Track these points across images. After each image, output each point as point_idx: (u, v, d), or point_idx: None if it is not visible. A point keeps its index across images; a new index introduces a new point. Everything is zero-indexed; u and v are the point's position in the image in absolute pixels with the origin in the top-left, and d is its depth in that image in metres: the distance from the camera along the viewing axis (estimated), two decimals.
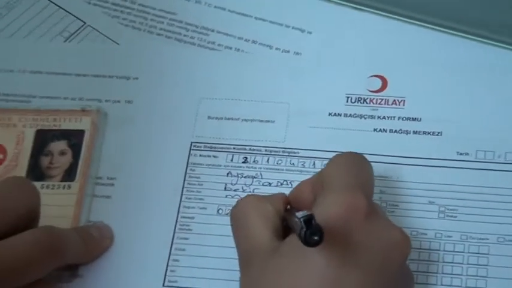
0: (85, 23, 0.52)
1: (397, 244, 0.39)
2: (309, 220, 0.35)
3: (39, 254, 0.41)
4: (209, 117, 0.48)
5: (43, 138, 0.48)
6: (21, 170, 0.47)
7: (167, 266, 0.43)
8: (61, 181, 0.46)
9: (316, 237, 0.34)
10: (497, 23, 0.51)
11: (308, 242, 0.35)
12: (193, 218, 0.44)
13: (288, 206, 0.43)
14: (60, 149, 0.48)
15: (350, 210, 0.37)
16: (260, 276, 0.39)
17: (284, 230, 0.42)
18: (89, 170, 0.46)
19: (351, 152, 0.43)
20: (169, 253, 0.43)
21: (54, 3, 0.53)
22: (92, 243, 0.45)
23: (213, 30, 0.51)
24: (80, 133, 0.48)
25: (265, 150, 0.47)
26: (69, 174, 0.46)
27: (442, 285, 0.42)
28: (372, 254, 0.38)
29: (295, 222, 0.36)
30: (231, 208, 0.44)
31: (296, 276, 0.38)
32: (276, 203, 0.42)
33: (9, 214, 0.41)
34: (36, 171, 0.47)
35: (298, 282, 0.38)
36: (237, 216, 0.43)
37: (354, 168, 0.42)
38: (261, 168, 0.46)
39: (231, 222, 0.43)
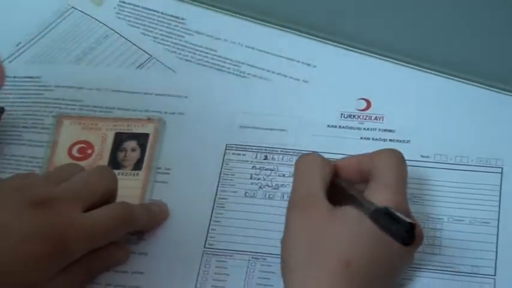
0: (151, 56, 0.57)
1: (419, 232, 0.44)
2: (412, 229, 0.41)
3: (116, 222, 0.46)
4: (240, 126, 0.53)
5: (120, 139, 0.53)
6: (104, 161, 0.52)
7: (207, 233, 0.48)
8: (131, 170, 0.51)
9: (412, 240, 0.41)
10: (449, 59, 0.54)
11: (406, 243, 0.41)
12: (226, 198, 0.50)
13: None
14: (131, 146, 0.52)
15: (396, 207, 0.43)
16: (316, 224, 0.43)
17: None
18: (151, 162, 0.51)
19: (396, 151, 0.47)
20: (209, 224, 0.49)
21: (129, 41, 0.58)
22: (153, 216, 0.49)
23: (243, 63, 0.56)
24: (146, 136, 0.53)
25: (281, 151, 0.51)
26: (138, 165, 0.51)
27: None
28: None
29: (378, 207, 0.42)
30: (264, 185, 0.49)
31: (349, 242, 0.42)
32: (331, 168, 0.46)
33: (97, 192, 0.46)
34: (114, 163, 0.52)
35: (351, 246, 0.42)
36: (302, 167, 0.47)
37: (398, 167, 0.46)
38: (277, 163, 0.51)
39: (295, 169, 0.47)
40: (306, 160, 0.47)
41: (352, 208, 0.43)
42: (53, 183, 0.45)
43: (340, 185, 0.46)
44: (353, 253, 0.42)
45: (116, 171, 0.49)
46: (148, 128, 0.53)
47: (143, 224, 0.48)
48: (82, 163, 0.50)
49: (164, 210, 0.49)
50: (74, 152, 0.52)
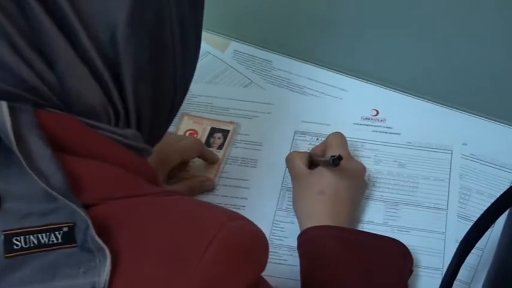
0: (251, 81, 0.72)
1: (362, 169, 0.60)
2: (340, 157, 0.55)
3: (194, 145, 0.62)
4: (302, 121, 0.69)
5: (213, 131, 0.67)
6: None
7: (283, 178, 0.63)
8: (216, 149, 0.66)
9: (340, 162, 0.56)
10: (426, 89, 0.67)
11: (336, 164, 0.55)
12: None
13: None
14: (218, 136, 0.66)
15: (345, 157, 0.57)
16: (302, 184, 0.58)
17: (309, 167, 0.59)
18: (228, 148, 0.66)
19: (338, 132, 0.60)
20: (284, 173, 0.63)
21: (239, 72, 0.73)
22: (211, 152, 0.64)
23: (305, 87, 0.71)
24: (227, 131, 0.67)
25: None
26: (220, 147, 0.66)
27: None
28: (351, 172, 0.58)
29: (327, 158, 0.55)
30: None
31: (320, 182, 0.57)
32: (306, 154, 0.60)
33: (187, 142, 0.63)
34: (207, 143, 0.66)
35: (322, 184, 0.56)
36: (289, 159, 0.61)
37: (341, 141, 0.59)
38: None
39: (286, 163, 0.61)
40: (289, 156, 0.61)
41: (321, 167, 0.58)
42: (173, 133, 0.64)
43: (314, 159, 0.60)
44: (324, 186, 0.56)
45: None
46: (229, 127, 0.67)
47: (205, 153, 0.63)
48: None
49: (216, 156, 0.64)
50: (187, 135, 0.67)
